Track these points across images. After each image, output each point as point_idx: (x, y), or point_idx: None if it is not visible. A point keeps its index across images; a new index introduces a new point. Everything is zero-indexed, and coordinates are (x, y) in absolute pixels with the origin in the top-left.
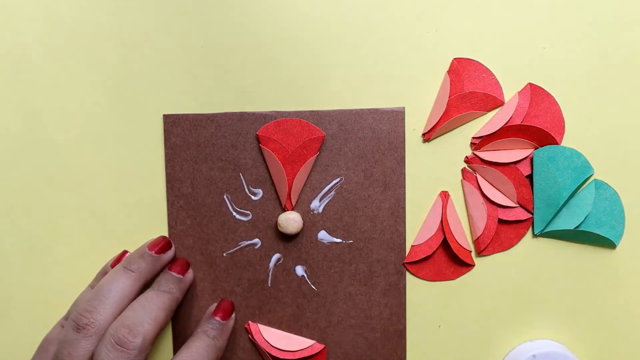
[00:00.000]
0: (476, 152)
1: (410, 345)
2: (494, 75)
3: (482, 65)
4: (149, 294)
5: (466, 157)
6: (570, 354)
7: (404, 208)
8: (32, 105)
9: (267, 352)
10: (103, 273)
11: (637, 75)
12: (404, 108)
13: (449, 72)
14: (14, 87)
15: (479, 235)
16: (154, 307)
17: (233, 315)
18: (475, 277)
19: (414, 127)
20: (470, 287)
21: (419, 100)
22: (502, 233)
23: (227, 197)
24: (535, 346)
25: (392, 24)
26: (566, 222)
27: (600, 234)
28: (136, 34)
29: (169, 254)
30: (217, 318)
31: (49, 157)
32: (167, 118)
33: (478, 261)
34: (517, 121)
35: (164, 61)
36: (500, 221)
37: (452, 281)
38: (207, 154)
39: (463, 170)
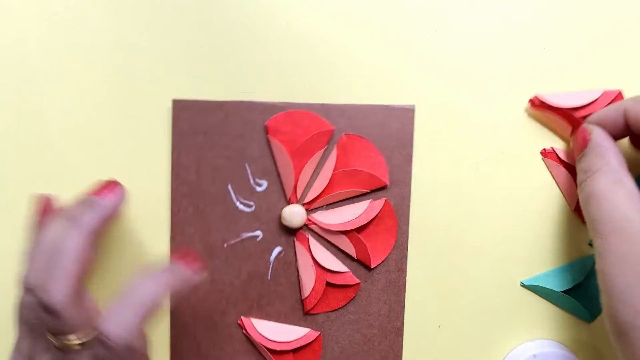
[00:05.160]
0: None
1: (407, 343)
2: (381, 155)
3: (371, 143)
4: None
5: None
6: (571, 353)
7: (408, 206)
8: (38, 92)
9: (263, 345)
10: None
11: None
12: (414, 106)
13: (337, 146)
14: (15, 75)
15: (306, 296)
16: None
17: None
18: (475, 277)
19: (423, 125)
20: (470, 286)
21: (429, 98)
22: (330, 294)
23: (231, 186)
24: (536, 346)
25: (402, 22)
26: (555, 283)
27: (582, 305)
28: (151, 16)
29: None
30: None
31: (54, 144)
32: (176, 103)
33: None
34: (581, 113)
35: (174, 47)
36: (329, 284)
37: (452, 281)
38: (214, 142)
39: (297, 234)
